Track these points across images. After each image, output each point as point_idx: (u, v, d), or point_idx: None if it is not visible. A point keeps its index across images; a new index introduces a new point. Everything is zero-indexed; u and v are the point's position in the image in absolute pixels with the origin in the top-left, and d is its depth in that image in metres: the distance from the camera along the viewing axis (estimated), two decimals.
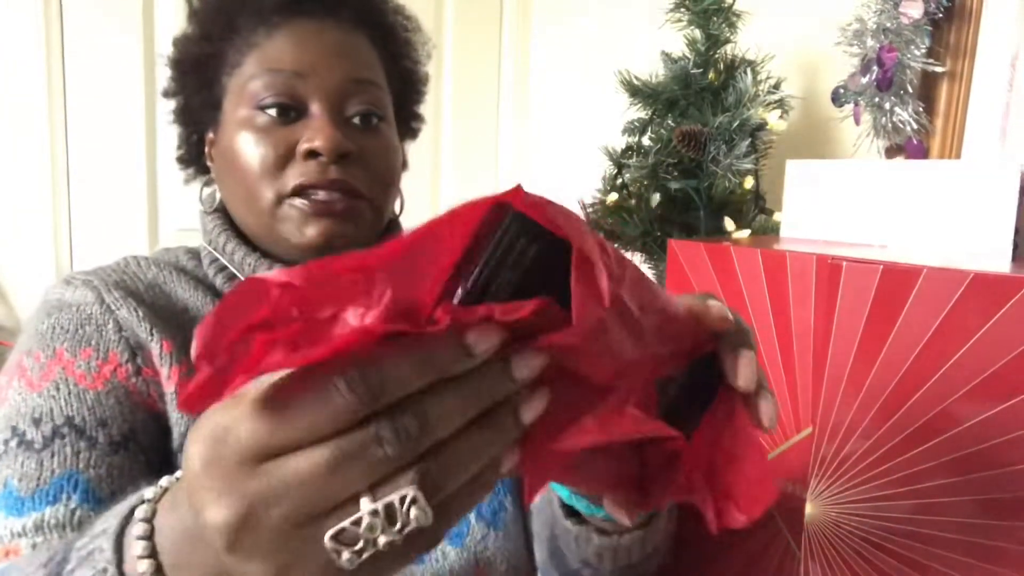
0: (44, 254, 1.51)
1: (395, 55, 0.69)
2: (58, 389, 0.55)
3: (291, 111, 0.60)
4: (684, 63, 1.17)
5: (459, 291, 0.27)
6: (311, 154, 0.59)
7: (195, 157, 0.70)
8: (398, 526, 0.26)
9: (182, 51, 0.66)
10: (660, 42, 1.21)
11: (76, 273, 0.62)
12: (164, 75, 0.69)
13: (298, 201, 0.60)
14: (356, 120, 0.62)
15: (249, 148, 0.60)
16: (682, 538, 0.75)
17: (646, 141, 1.23)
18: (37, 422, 0.53)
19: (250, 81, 0.61)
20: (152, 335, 0.58)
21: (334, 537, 0.26)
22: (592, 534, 0.54)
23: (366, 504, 0.26)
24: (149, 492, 0.34)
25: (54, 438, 0.52)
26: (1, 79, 1.44)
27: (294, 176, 0.59)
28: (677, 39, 1.20)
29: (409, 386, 0.26)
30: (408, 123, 0.75)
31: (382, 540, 0.26)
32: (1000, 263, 0.62)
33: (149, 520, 0.33)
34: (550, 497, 0.59)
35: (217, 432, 0.26)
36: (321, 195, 0.60)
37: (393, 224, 0.71)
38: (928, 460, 0.56)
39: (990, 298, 0.52)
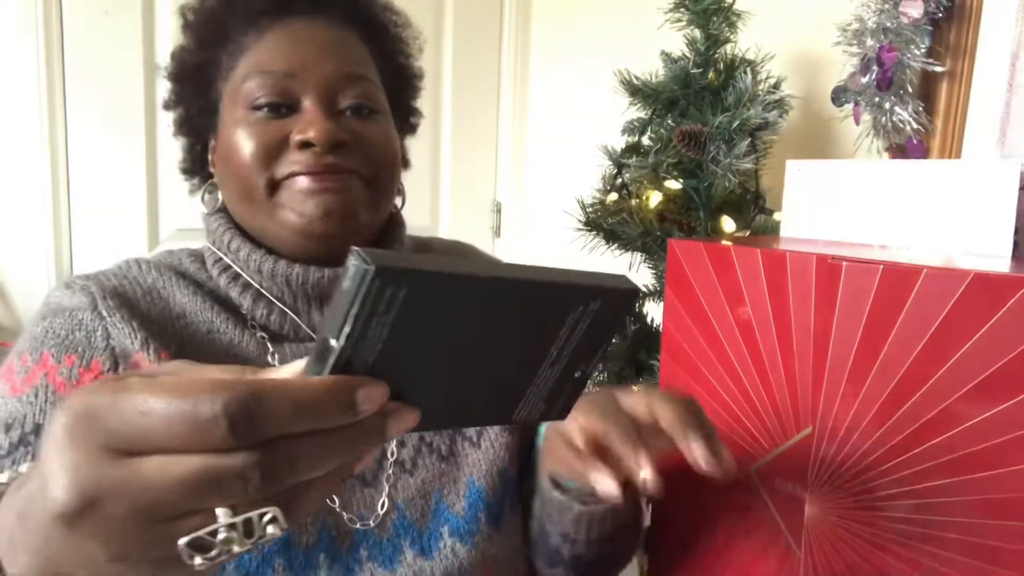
0: (44, 254, 1.51)
1: (387, 51, 0.69)
2: (36, 395, 0.55)
3: (282, 108, 0.61)
4: (684, 63, 1.17)
5: (333, 343, 0.27)
6: (305, 145, 0.59)
7: (199, 167, 0.70)
8: (254, 538, 0.27)
9: (179, 62, 0.67)
10: (660, 42, 1.21)
11: (77, 277, 0.62)
12: (164, 88, 0.69)
13: (291, 181, 0.60)
14: (349, 112, 0.63)
15: (243, 141, 0.60)
16: (682, 538, 0.75)
17: (646, 141, 1.23)
18: (8, 427, 0.53)
19: (243, 83, 0.61)
20: (148, 345, 0.57)
21: (189, 544, 0.26)
22: (573, 503, 0.60)
23: (223, 517, 0.26)
24: (4, 476, 0.34)
25: (20, 445, 0.53)
26: (1, 79, 1.44)
27: (288, 164, 0.60)
28: (677, 39, 1.20)
29: (286, 430, 0.26)
30: (406, 118, 0.75)
31: (236, 549, 0.26)
32: (1000, 263, 0.61)
33: None
34: (542, 477, 0.64)
35: (92, 410, 0.26)
36: (316, 177, 0.60)
37: (395, 219, 0.71)
38: (928, 460, 0.56)
39: (990, 298, 0.52)
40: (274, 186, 0.60)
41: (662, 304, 0.80)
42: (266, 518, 0.27)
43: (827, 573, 0.63)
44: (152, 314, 0.60)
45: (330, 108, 0.61)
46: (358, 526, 0.60)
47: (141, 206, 1.58)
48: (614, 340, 0.41)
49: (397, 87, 0.71)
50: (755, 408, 0.68)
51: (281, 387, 0.26)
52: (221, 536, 0.26)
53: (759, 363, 0.67)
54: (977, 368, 0.53)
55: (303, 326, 0.64)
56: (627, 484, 0.59)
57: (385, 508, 0.61)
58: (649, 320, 1.32)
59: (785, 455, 0.66)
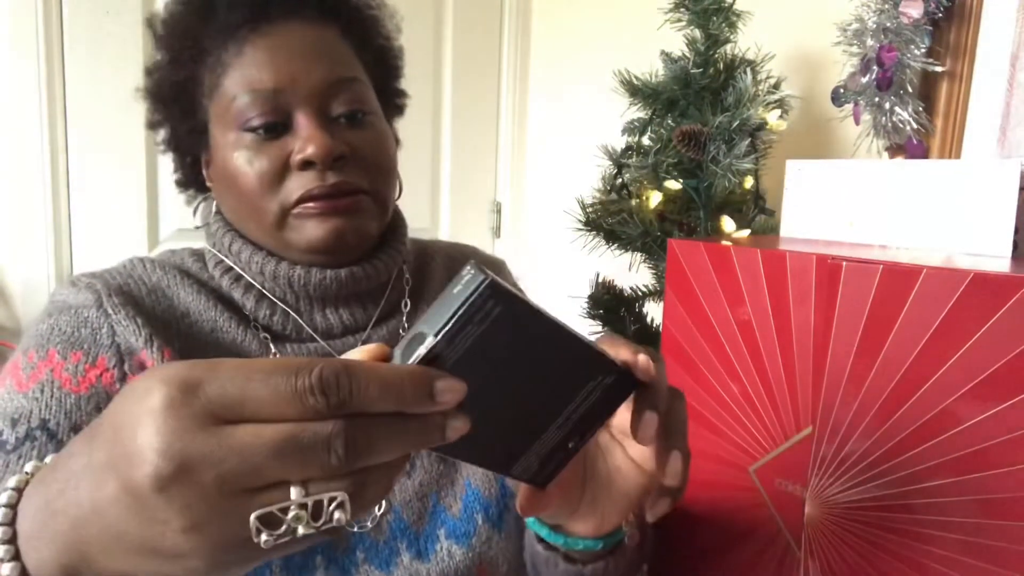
0: (44, 254, 1.51)
1: (367, 39, 0.68)
2: (42, 391, 0.55)
3: (278, 126, 0.60)
4: (684, 63, 1.17)
5: (429, 338, 0.30)
6: (307, 164, 0.59)
7: (192, 179, 0.69)
8: (320, 522, 0.29)
9: (157, 81, 0.65)
10: (660, 42, 1.21)
11: (82, 275, 0.62)
12: (144, 107, 0.68)
13: (301, 208, 0.60)
14: (343, 120, 0.62)
15: (244, 167, 0.60)
16: (682, 539, 0.75)
17: (646, 141, 1.23)
18: (15, 422, 0.54)
19: (232, 103, 0.60)
20: (152, 342, 0.58)
21: (259, 517, 0.28)
22: (559, 560, 0.56)
23: (297, 495, 0.28)
24: (29, 466, 0.35)
25: (26, 440, 0.53)
26: (1, 79, 1.44)
27: (296, 188, 0.59)
28: (677, 39, 1.20)
29: (372, 408, 0.28)
30: (392, 101, 0.74)
31: (301, 531, 0.28)
32: (1000, 263, 0.62)
33: (19, 489, 0.34)
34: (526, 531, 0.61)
35: (189, 381, 0.27)
36: (323, 201, 0.60)
37: (396, 217, 0.71)
38: (928, 460, 0.56)
39: (990, 298, 0.52)
40: (284, 213, 0.60)
41: (662, 304, 0.80)
42: (334, 503, 0.29)
43: (827, 573, 0.63)
44: (157, 312, 0.60)
45: (324, 119, 0.60)
46: (355, 529, 0.60)
47: (141, 206, 1.58)
48: (604, 424, 0.44)
49: (381, 73, 0.70)
50: (755, 408, 0.68)
51: (372, 366, 0.29)
52: (292, 513, 0.28)
53: (759, 363, 0.67)
54: (977, 368, 0.53)
55: (305, 327, 0.64)
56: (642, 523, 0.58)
57: (383, 510, 0.61)
58: (649, 320, 1.32)
59: (785, 455, 0.66)
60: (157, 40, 0.65)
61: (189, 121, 0.64)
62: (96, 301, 0.59)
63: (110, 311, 0.58)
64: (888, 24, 1.02)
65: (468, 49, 1.98)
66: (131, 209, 1.57)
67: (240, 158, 0.60)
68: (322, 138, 0.58)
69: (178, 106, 0.65)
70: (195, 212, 0.70)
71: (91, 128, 1.52)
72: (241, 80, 0.60)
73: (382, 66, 0.70)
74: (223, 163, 0.62)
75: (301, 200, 0.59)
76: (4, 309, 1.49)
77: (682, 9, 1.17)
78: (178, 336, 0.60)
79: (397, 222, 0.71)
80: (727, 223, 1.13)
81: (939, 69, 1.04)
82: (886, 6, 1.02)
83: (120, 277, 0.62)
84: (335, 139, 0.59)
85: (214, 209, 0.67)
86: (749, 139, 1.08)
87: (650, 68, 1.23)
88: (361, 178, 0.61)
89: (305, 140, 0.59)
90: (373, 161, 0.63)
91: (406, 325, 0.68)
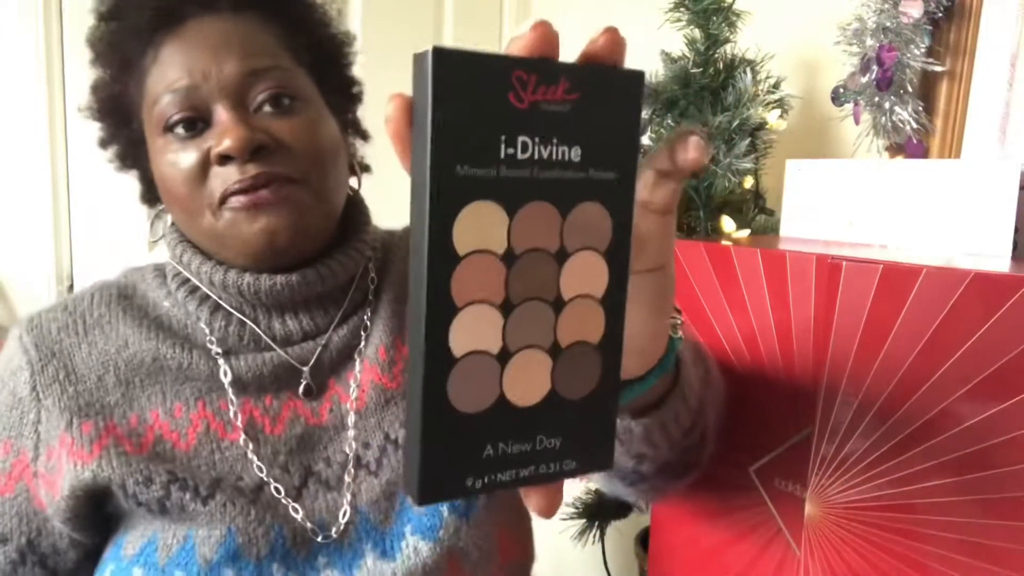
0: (44, 254, 1.51)
1: (298, 27, 0.64)
2: None
3: (197, 123, 0.58)
4: (684, 63, 1.17)
5: None
6: (225, 158, 0.57)
7: (154, 196, 0.69)
8: None
9: (97, 98, 0.65)
10: (660, 42, 1.21)
11: (27, 320, 0.64)
12: (94, 127, 0.68)
13: (229, 203, 0.58)
14: (266, 107, 0.59)
15: (171, 171, 0.59)
16: (682, 539, 0.75)
17: (646, 141, 1.23)
18: None
19: (154, 108, 0.59)
20: (71, 425, 0.58)
21: None
22: (630, 422, 0.50)
23: None
24: None
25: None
26: (1, 78, 1.44)
27: (218, 185, 0.57)
28: (677, 39, 1.20)
29: None
30: (346, 90, 0.70)
31: None
32: (1000, 263, 0.62)
33: None
34: None
35: None
36: (248, 194, 0.57)
37: (354, 206, 0.68)
38: (928, 460, 0.56)
39: (990, 298, 0.52)
40: (214, 211, 0.58)
41: None
42: None
43: (827, 573, 0.63)
44: (92, 357, 0.60)
45: (243, 110, 0.58)
46: (319, 539, 0.58)
47: (141, 206, 1.58)
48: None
49: (322, 60, 0.66)
50: (755, 408, 0.68)
51: None
52: None
53: (759, 363, 0.67)
54: (977, 368, 0.53)
55: (263, 336, 0.62)
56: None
57: (347, 516, 0.60)
58: None
59: (785, 455, 0.66)
60: (93, 59, 0.63)
61: (126, 133, 0.64)
62: (29, 377, 0.60)
63: (42, 395, 0.59)
64: (888, 24, 1.02)
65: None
66: (131, 209, 1.57)
67: (166, 163, 0.59)
68: (238, 129, 0.56)
69: (116, 120, 0.64)
70: (151, 226, 0.70)
71: (91, 128, 1.52)
72: (160, 83, 0.59)
73: (325, 55, 0.67)
74: (157, 171, 0.61)
75: (225, 196, 0.57)
76: (4, 309, 1.49)
77: (682, 9, 1.17)
78: (117, 381, 0.60)
79: (356, 216, 0.67)
80: (727, 223, 1.13)
81: (939, 69, 1.03)
82: (886, 6, 1.02)
83: (60, 318, 0.63)
84: (254, 130, 0.57)
85: (169, 221, 0.67)
86: (749, 139, 1.08)
87: (650, 68, 1.23)
88: (289, 168, 0.58)
89: (220, 133, 0.56)
90: (302, 149, 0.59)
91: (368, 324, 0.65)
